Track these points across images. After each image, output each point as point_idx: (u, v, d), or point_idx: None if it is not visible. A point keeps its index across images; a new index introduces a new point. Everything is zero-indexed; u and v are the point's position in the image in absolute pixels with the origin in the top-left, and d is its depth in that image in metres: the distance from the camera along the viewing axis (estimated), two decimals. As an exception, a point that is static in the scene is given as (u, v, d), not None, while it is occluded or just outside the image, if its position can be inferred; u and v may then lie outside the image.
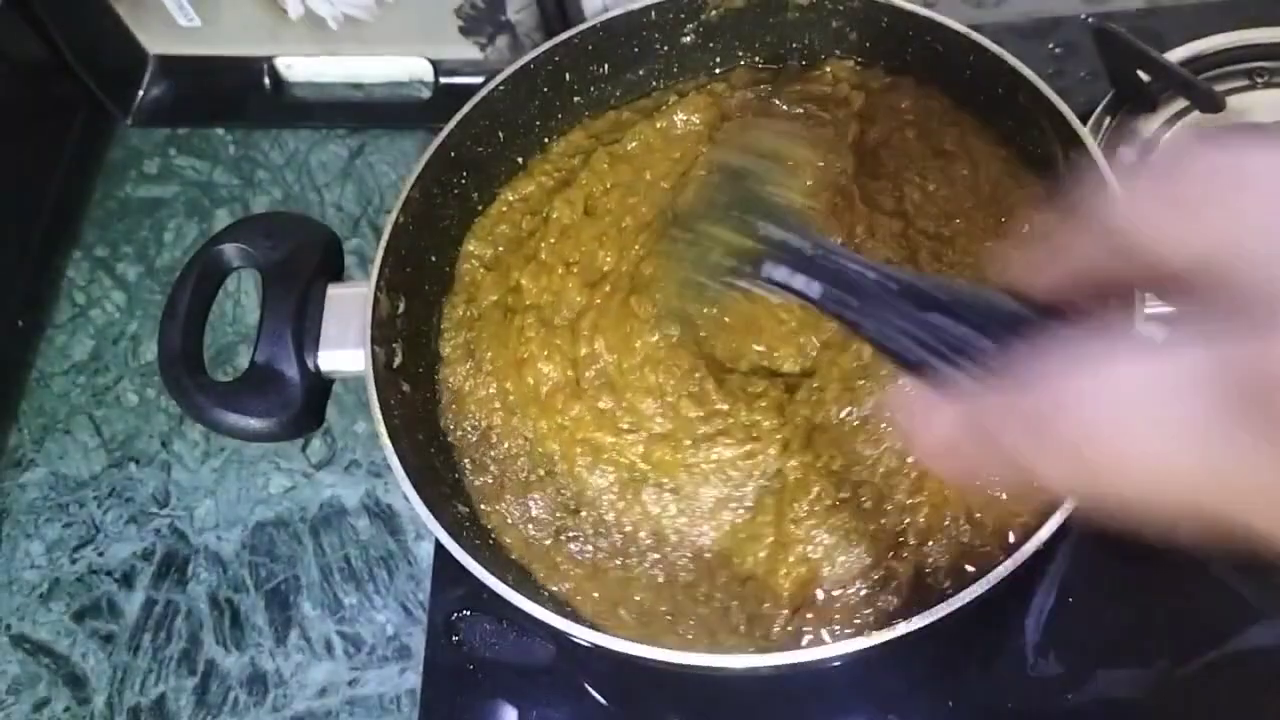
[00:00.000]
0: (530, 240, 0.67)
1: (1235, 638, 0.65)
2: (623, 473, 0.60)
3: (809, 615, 0.55)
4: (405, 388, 0.63)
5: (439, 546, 0.58)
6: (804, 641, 0.55)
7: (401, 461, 0.56)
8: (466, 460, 0.63)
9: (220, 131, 0.96)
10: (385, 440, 0.56)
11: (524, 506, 0.61)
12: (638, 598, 0.58)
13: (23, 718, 0.74)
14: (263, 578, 0.77)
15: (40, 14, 0.86)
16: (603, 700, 0.69)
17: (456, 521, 0.58)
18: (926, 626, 0.50)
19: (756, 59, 0.72)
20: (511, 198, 0.69)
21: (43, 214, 0.91)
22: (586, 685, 0.69)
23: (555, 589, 0.59)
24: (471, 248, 0.68)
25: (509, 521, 0.61)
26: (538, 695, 0.69)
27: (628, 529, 0.59)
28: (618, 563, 0.59)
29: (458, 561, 0.53)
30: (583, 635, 0.53)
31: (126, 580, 0.78)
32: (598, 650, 0.53)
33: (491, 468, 0.62)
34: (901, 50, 0.67)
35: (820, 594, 0.56)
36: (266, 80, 0.95)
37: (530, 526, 0.60)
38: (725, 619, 0.56)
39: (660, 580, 0.58)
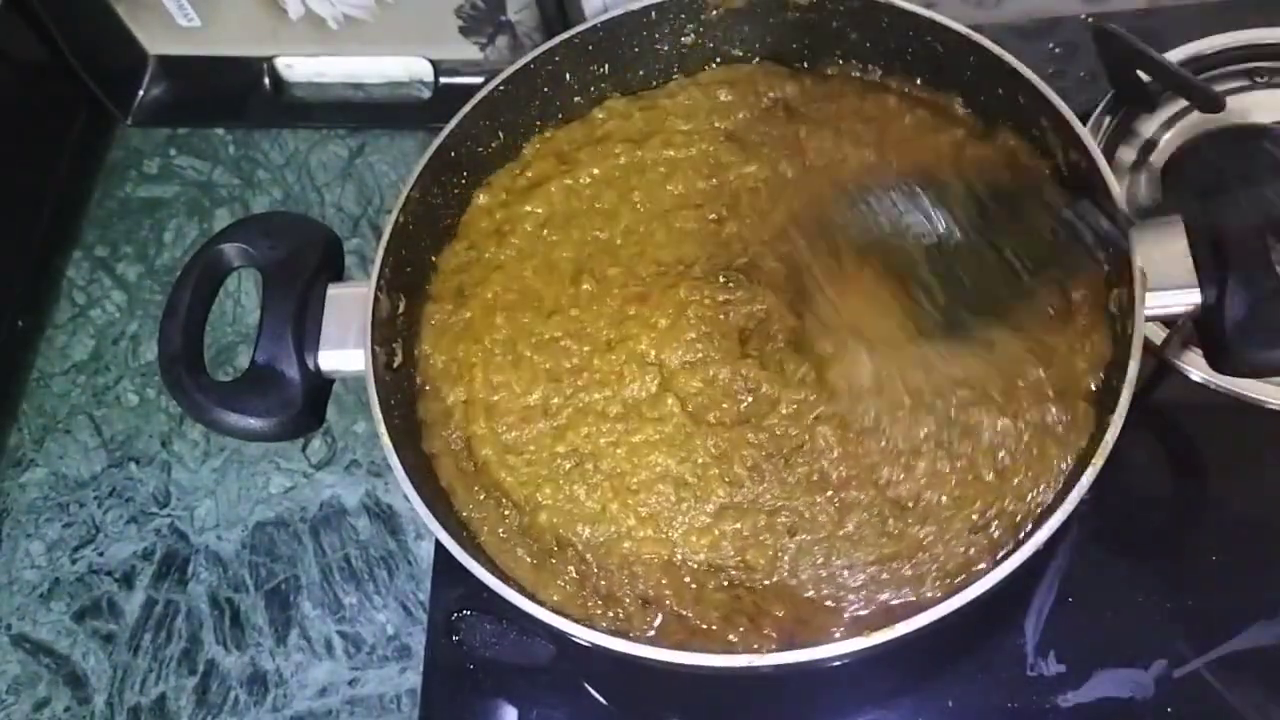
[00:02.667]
0: (536, 191, 0.68)
1: (1235, 638, 0.65)
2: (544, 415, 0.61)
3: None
4: (406, 386, 0.63)
5: (439, 546, 0.58)
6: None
7: (401, 461, 0.56)
8: (428, 386, 0.63)
9: (220, 131, 0.96)
10: (385, 440, 0.56)
11: (464, 435, 0.61)
12: (530, 540, 0.59)
13: (23, 718, 0.74)
14: (263, 578, 0.77)
15: (40, 14, 0.86)
16: (603, 700, 0.69)
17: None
18: (926, 626, 0.50)
19: (757, 59, 0.72)
20: (527, 156, 0.70)
21: (43, 214, 0.91)
22: (586, 685, 0.69)
23: (466, 515, 0.60)
24: (482, 201, 0.68)
25: (450, 447, 0.61)
26: (538, 695, 0.69)
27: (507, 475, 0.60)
28: (512, 506, 0.60)
29: (458, 561, 0.53)
30: (583, 635, 0.53)
31: (126, 580, 0.78)
32: (598, 650, 0.53)
33: (449, 400, 0.62)
34: (901, 50, 0.67)
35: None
36: (266, 80, 0.95)
37: (464, 455, 0.61)
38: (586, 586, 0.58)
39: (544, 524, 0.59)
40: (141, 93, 0.96)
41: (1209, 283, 0.55)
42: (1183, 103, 0.77)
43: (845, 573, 0.56)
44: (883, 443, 0.57)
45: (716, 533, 0.57)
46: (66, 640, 0.76)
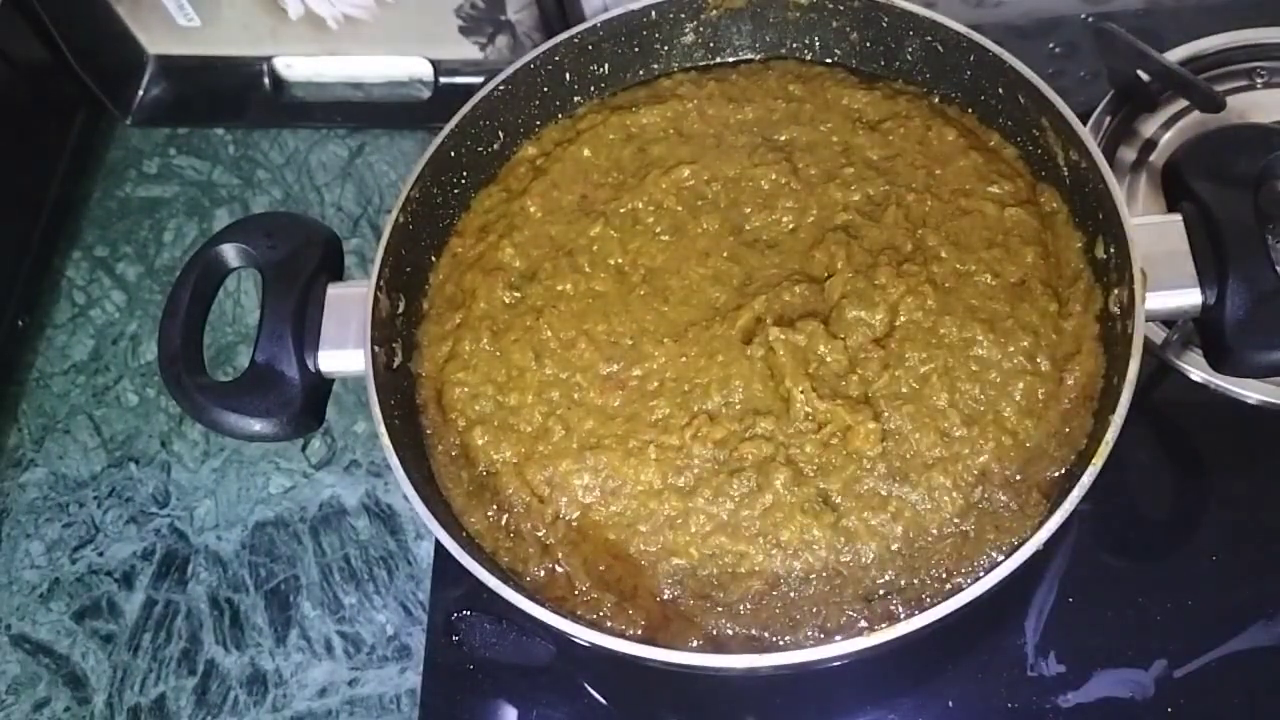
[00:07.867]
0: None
1: (1235, 638, 0.65)
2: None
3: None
4: (406, 386, 0.63)
5: (439, 546, 0.58)
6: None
7: (401, 461, 0.56)
8: (434, 301, 0.65)
9: (220, 131, 0.96)
10: (385, 440, 0.56)
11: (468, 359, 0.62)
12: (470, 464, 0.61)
13: (23, 718, 0.74)
14: (263, 578, 0.77)
15: (40, 14, 0.86)
16: (603, 700, 0.69)
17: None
18: (926, 626, 0.50)
19: (756, 57, 0.72)
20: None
21: (43, 214, 0.91)
22: (586, 685, 0.69)
23: (430, 432, 0.62)
24: (530, 151, 0.69)
25: (443, 362, 0.63)
26: (538, 695, 0.69)
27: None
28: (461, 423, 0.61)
29: (458, 561, 0.53)
30: (583, 635, 0.53)
31: (126, 580, 0.78)
32: (598, 650, 0.53)
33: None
34: (901, 50, 0.67)
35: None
36: (266, 80, 0.95)
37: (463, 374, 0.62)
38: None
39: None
40: (141, 93, 0.96)
41: (1209, 283, 0.56)
42: (1183, 103, 0.77)
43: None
44: None
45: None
46: (66, 640, 0.76)
